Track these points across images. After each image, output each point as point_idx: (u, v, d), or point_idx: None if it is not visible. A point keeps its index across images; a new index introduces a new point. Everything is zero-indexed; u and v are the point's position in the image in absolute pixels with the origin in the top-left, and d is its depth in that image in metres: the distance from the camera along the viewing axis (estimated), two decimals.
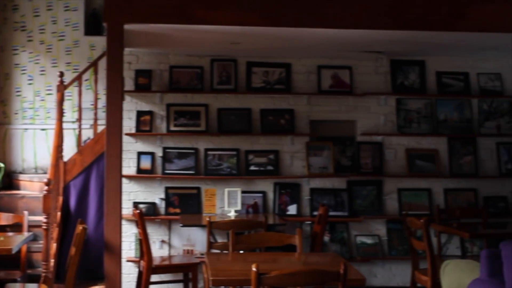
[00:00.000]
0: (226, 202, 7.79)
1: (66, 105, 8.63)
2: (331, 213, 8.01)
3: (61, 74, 7.88)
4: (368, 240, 8.37)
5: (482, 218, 7.76)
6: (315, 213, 8.00)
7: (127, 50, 8.00)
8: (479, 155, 8.61)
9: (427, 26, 6.60)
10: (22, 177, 8.71)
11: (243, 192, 8.06)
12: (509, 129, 8.63)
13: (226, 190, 7.85)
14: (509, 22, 6.66)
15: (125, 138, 7.96)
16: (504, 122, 8.64)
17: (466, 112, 8.59)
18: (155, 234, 8.16)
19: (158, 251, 8.08)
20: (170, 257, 7.57)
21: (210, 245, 6.69)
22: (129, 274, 8.04)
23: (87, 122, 8.67)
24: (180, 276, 7.38)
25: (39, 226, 7.09)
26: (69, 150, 8.52)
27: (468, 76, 8.64)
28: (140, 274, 7.01)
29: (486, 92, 8.63)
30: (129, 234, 8.07)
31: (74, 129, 8.83)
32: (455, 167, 8.52)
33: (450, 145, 8.55)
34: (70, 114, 8.86)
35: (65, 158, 8.10)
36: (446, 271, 5.51)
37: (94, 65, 8.37)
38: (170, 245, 8.20)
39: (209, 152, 8.29)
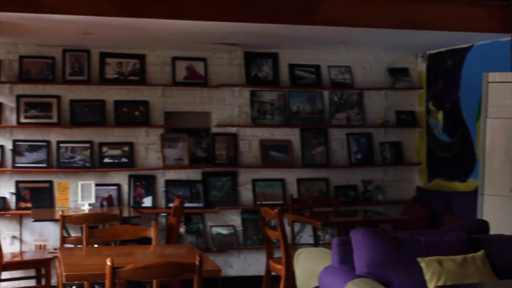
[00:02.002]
0: (80, 196, 7.65)
1: None
2: (187, 205, 8.00)
3: None
4: (224, 231, 8.44)
5: (334, 206, 7.99)
6: (171, 205, 7.98)
7: None
8: (330, 146, 8.86)
9: (279, 19, 6.71)
10: None
11: (97, 185, 7.93)
12: (358, 120, 8.92)
13: (80, 183, 7.70)
14: (359, 16, 6.87)
15: None
16: (354, 114, 8.93)
17: (317, 103, 8.81)
18: (5, 229, 7.88)
19: (9, 247, 7.81)
20: (21, 253, 7.34)
21: (64, 239, 6.53)
22: None
23: None
24: (32, 272, 7.18)
25: None
26: None
27: (320, 69, 8.86)
28: None
29: (336, 84, 8.88)
30: None
31: None
32: (307, 158, 8.73)
33: (303, 136, 8.75)
34: None
35: None
36: (299, 259, 5.62)
37: None
38: (21, 241, 7.95)
39: (62, 145, 8.09)
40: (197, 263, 4.29)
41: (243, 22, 6.66)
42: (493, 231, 5.62)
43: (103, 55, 8.23)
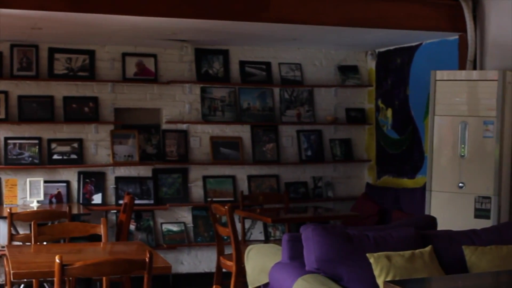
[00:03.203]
0: (28, 193, 7.56)
1: None
2: (137, 202, 7.96)
3: None
4: (174, 228, 8.41)
5: (284, 203, 8.02)
6: (121, 202, 7.92)
7: None
8: (281, 143, 8.90)
9: (230, 16, 6.71)
10: None
11: (46, 181, 7.84)
12: (308, 117, 8.97)
13: (28, 180, 7.62)
14: (309, 14, 6.91)
15: None
16: (304, 111, 8.97)
17: (268, 100, 8.84)
18: None
19: None
20: None
21: (12, 237, 6.44)
22: None
23: None
24: None
25: None
26: None
27: (270, 66, 8.88)
28: None
29: (287, 81, 8.91)
30: None
31: None
32: (258, 154, 8.75)
33: (253, 133, 8.77)
34: None
35: None
36: (249, 256, 5.63)
37: None
38: None
39: (9, 141, 7.97)
40: (147, 260, 4.28)
41: (194, 18, 6.64)
42: (440, 226, 5.71)
43: (52, 51, 8.13)
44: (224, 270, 6.91)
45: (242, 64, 8.77)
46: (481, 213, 6.66)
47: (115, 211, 8.17)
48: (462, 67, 7.40)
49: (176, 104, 8.52)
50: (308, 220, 7.13)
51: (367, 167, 9.26)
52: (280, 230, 8.66)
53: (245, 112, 8.72)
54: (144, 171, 8.40)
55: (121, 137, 8.28)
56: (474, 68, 7.24)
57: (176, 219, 8.47)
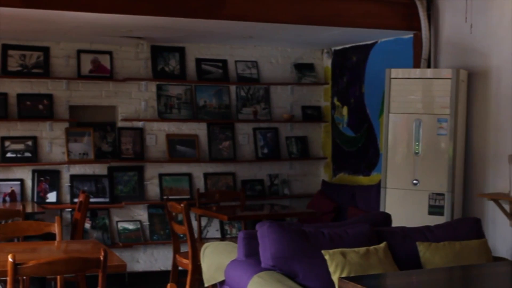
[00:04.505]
0: None
1: None
2: (92, 200, 7.89)
3: None
4: (130, 226, 8.37)
5: (240, 201, 8.03)
6: (76, 200, 7.85)
7: None
8: (237, 140, 8.90)
9: (187, 13, 6.69)
10: None
11: None
12: (265, 115, 8.99)
13: None
14: (265, 11, 6.92)
15: None
16: (260, 108, 8.99)
17: (224, 98, 8.83)
18: None
19: None
20: None
21: None
22: None
23: None
24: None
25: None
26: None
27: (227, 64, 8.88)
28: None
29: (243, 79, 8.92)
30: None
31: None
32: (214, 152, 8.74)
33: (210, 131, 8.75)
34: None
35: None
36: (205, 254, 5.63)
37: None
38: None
39: None
40: (101, 258, 4.25)
41: (150, 15, 6.60)
42: (395, 223, 5.76)
43: (6, 47, 8.02)
44: (180, 268, 6.89)
45: (198, 61, 8.75)
46: (434, 209, 6.74)
47: (70, 209, 8.10)
48: (416, 65, 7.48)
49: (132, 101, 8.47)
50: (264, 217, 7.13)
51: (323, 164, 9.31)
52: (237, 227, 8.67)
53: (201, 110, 8.71)
54: (99, 169, 8.33)
55: (76, 135, 8.20)
56: (428, 66, 7.32)
57: (132, 217, 8.42)
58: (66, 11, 6.30)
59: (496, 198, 6.51)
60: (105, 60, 8.35)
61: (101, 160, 8.29)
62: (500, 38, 6.66)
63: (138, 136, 8.46)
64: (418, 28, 7.38)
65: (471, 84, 6.95)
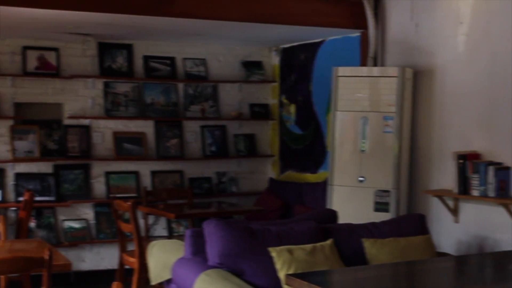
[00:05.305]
0: None
1: None
2: (38, 198, 7.80)
3: None
4: (76, 225, 8.28)
5: (188, 198, 8.01)
6: (21, 198, 7.73)
7: None
8: (185, 138, 8.87)
9: (134, 10, 6.64)
10: None
11: None
12: (212, 112, 8.98)
13: None
14: (213, 9, 6.91)
15: None
16: (208, 106, 8.97)
17: (172, 96, 8.79)
18: None
19: None
20: None
21: None
22: None
23: None
24: None
25: None
26: None
27: (175, 61, 8.84)
28: None
29: (191, 76, 8.89)
30: None
31: None
32: (162, 150, 8.70)
33: (157, 128, 8.71)
34: None
35: None
36: (152, 252, 5.60)
37: None
38: None
39: None
40: (46, 257, 4.20)
41: (96, 12, 6.54)
42: (342, 220, 5.82)
43: None
44: (127, 266, 6.84)
45: (146, 59, 8.70)
46: (380, 206, 6.81)
47: (14, 208, 7.97)
48: (363, 63, 7.55)
49: (79, 99, 8.38)
50: (211, 215, 7.12)
51: (270, 162, 9.34)
52: (184, 225, 8.64)
53: (149, 107, 8.65)
54: (45, 167, 8.23)
55: (21, 133, 8.08)
56: (375, 64, 7.39)
57: (78, 216, 8.34)
58: (10, 6, 6.19)
59: (440, 195, 6.60)
60: (51, 57, 8.25)
61: (47, 158, 8.19)
62: (444, 37, 6.76)
63: (85, 134, 8.37)
64: (365, 27, 7.45)
65: (417, 82, 7.04)
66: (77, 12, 6.48)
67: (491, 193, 6.05)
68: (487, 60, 6.32)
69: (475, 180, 6.16)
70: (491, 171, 6.04)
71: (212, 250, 4.88)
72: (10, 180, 8.09)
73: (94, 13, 6.58)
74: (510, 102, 6.07)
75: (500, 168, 6.06)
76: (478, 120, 6.42)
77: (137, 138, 8.61)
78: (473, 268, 4.52)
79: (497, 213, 6.15)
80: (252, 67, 9.20)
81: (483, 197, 6.11)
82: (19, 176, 8.10)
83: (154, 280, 5.52)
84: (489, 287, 4.07)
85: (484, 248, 6.29)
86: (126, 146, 8.53)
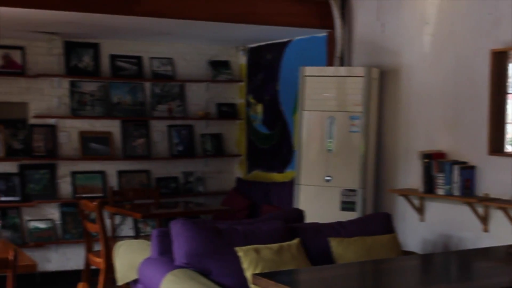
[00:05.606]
0: None
1: None
2: (2, 199, 7.74)
3: None
4: (42, 225, 8.21)
5: (155, 198, 7.97)
6: None
7: None
8: (151, 138, 8.83)
9: (101, 9, 6.60)
10: None
11: None
12: (180, 112, 8.95)
13: None
14: (180, 8, 6.89)
15: None
16: (175, 106, 8.95)
17: (139, 95, 8.76)
18: None
19: None
20: None
21: None
22: None
23: None
24: None
25: None
26: None
27: (141, 60, 8.80)
28: None
29: (158, 76, 8.86)
30: None
31: None
32: (128, 150, 8.66)
33: (124, 128, 8.66)
34: None
35: None
36: (119, 252, 5.57)
37: None
38: None
39: None
40: (11, 258, 4.15)
41: (62, 10, 6.48)
42: (309, 219, 5.83)
43: None
44: (93, 267, 6.80)
45: (113, 58, 8.65)
46: (347, 205, 6.84)
47: None
48: (330, 63, 7.58)
49: (44, 98, 8.31)
50: (178, 215, 7.10)
51: (237, 162, 9.34)
52: (151, 225, 8.61)
53: (115, 107, 8.61)
54: (10, 167, 8.14)
55: None
56: (342, 64, 7.42)
57: (43, 216, 8.27)
58: None
59: (406, 194, 6.65)
60: (16, 56, 8.17)
61: (12, 158, 8.10)
62: (410, 37, 6.81)
63: (50, 134, 8.30)
64: (332, 27, 7.48)
65: (383, 82, 7.08)
66: (43, 10, 6.43)
67: (456, 192, 6.11)
68: (452, 60, 6.39)
69: (440, 179, 6.22)
70: (456, 170, 6.10)
71: (179, 250, 4.87)
72: None
73: (61, 12, 6.52)
74: (475, 101, 6.14)
75: (465, 167, 6.13)
76: (443, 120, 6.48)
77: (104, 138, 8.56)
78: (438, 266, 4.55)
79: (462, 211, 6.21)
80: (219, 66, 9.20)
81: (448, 196, 6.17)
82: None
83: (120, 281, 5.50)
84: (454, 285, 4.11)
85: (449, 247, 6.35)
86: (92, 145, 8.47)
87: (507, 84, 5.99)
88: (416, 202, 6.64)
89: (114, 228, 7.92)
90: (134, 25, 7.47)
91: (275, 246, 4.91)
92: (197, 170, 9.09)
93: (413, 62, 6.79)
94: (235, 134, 9.36)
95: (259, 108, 8.93)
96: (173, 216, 7.11)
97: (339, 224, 5.46)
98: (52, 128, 8.32)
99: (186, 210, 7.66)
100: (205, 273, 4.79)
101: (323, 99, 7.02)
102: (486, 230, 6.03)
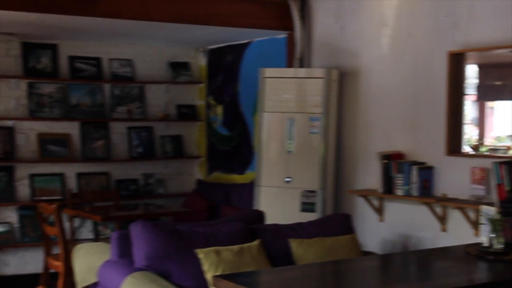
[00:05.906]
0: None
1: None
2: None
3: None
4: (0, 228, 8.12)
5: (115, 200, 7.93)
6: None
7: None
8: (111, 139, 8.77)
9: (59, 9, 6.56)
10: None
11: None
12: (139, 114, 8.91)
13: None
14: (140, 9, 6.87)
15: None
16: (135, 107, 8.90)
17: (98, 97, 8.69)
18: None
19: None
20: None
21: None
22: None
23: None
24: None
25: None
26: None
27: (101, 61, 8.74)
28: None
29: (118, 77, 8.81)
30: None
31: None
32: (87, 152, 8.59)
33: (83, 130, 8.59)
34: None
35: None
36: (78, 255, 5.53)
37: None
38: None
39: None
40: None
41: (19, 11, 6.42)
42: (269, 220, 5.84)
43: None
44: (52, 270, 6.74)
45: (72, 59, 8.58)
46: (307, 206, 6.87)
47: None
48: (290, 65, 7.61)
49: (1, 100, 8.20)
50: (138, 217, 7.06)
51: (198, 163, 9.32)
52: (110, 228, 8.55)
53: (74, 109, 8.54)
54: None
55: None
56: (301, 66, 7.45)
57: (1, 219, 8.16)
58: None
59: (366, 194, 6.70)
60: None
61: None
62: (369, 39, 6.86)
63: (8, 136, 8.20)
64: (292, 28, 7.51)
65: (342, 83, 7.13)
66: (0, 11, 6.35)
67: (415, 192, 6.17)
68: (410, 61, 6.45)
69: (399, 180, 6.27)
70: (414, 170, 6.16)
71: (139, 253, 4.84)
72: None
73: (18, 12, 6.46)
74: (433, 102, 6.21)
75: (423, 168, 6.19)
76: (401, 121, 6.54)
77: (62, 140, 8.48)
78: (397, 266, 4.60)
79: (420, 212, 6.27)
80: (179, 68, 9.17)
81: (407, 196, 6.23)
82: None
83: (80, 284, 5.45)
84: (413, 285, 4.15)
85: (408, 246, 6.41)
86: (51, 147, 8.39)
87: (464, 85, 6.07)
88: (376, 202, 6.69)
89: (73, 231, 7.84)
90: (93, 26, 7.42)
91: (235, 247, 4.91)
92: (157, 172, 9.05)
93: (372, 63, 6.84)
94: (195, 136, 9.34)
95: (219, 109, 8.92)
96: (133, 218, 7.07)
97: (299, 225, 5.48)
98: (10, 130, 8.22)
99: (146, 212, 7.62)
100: (166, 275, 4.77)
101: (283, 101, 7.04)
102: (444, 230, 6.10)
